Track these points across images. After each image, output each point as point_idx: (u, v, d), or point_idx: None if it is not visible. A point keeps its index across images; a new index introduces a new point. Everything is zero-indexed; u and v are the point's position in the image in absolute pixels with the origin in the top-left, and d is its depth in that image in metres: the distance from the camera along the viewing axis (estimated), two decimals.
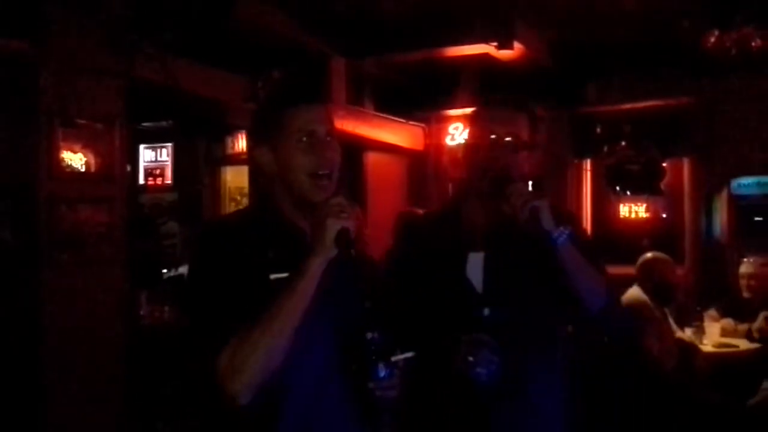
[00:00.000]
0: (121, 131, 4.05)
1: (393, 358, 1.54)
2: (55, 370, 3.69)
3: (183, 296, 1.66)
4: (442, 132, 7.09)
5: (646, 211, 7.05)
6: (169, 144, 7.55)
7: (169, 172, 7.59)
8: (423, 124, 7.12)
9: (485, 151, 1.83)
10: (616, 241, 7.11)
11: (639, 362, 4.15)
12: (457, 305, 1.83)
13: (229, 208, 7.19)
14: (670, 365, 4.17)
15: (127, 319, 4.13)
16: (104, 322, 3.92)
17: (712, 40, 4.67)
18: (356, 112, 6.34)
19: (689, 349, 4.45)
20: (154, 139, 7.49)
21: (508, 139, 1.82)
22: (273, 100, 1.73)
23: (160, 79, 4.09)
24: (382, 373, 1.52)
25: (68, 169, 3.80)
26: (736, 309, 4.89)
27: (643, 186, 6.96)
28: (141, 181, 7.56)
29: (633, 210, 7.10)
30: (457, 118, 7.12)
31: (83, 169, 3.87)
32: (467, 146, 1.93)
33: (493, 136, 1.83)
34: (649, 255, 4.55)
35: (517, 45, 5.50)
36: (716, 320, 4.88)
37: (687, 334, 4.63)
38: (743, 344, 4.58)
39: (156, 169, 7.65)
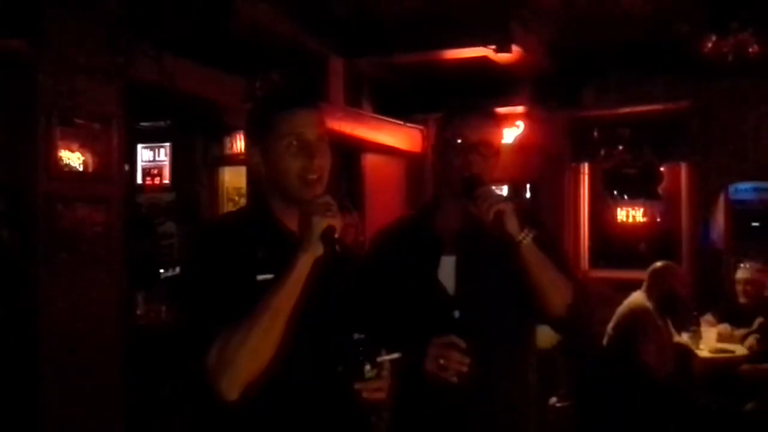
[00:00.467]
0: (119, 131, 4.04)
1: (379, 359, 1.54)
2: (53, 370, 3.68)
3: (177, 295, 1.68)
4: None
5: (644, 215, 7.06)
6: (167, 144, 7.53)
7: (167, 172, 7.57)
8: (421, 126, 7.13)
9: (457, 155, 1.85)
10: (614, 246, 7.13)
11: (634, 368, 4.16)
12: (428, 308, 1.86)
13: (227, 208, 7.18)
14: (665, 373, 4.18)
15: (124, 318, 4.12)
16: (101, 322, 3.91)
17: (710, 45, 4.69)
18: (354, 114, 6.34)
19: (686, 354, 4.46)
20: (152, 138, 7.47)
21: (478, 144, 1.85)
22: (266, 102, 1.76)
23: (157, 79, 4.09)
24: (368, 374, 1.52)
25: (66, 169, 3.79)
26: (733, 314, 4.90)
27: (640, 190, 6.98)
28: (139, 180, 7.55)
29: (630, 214, 7.11)
30: None
31: (81, 169, 3.86)
32: (438, 151, 1.94)
33: (459, 141, 1.86)
34: (661, 264, 4.55)
35: (515, 48, 5.51)
36: (713, 325, 4.89)
37: (684, 339, 4.64)
38: (740, 350, 4.59)
39: (154, 168, 7.63)
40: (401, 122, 6.90)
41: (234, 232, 1.59)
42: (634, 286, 4.81)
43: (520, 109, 6.98)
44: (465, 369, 1.70)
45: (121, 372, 4.02)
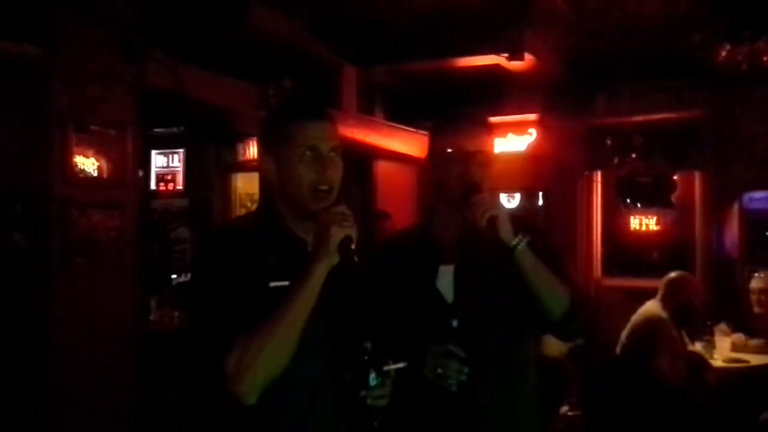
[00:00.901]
0: (134, 137, 4.08)
1: (385, 368, 1.57)
2: (65, 374, 3.71)
3: (188, 299, 1.70)
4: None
5: (657, 224, 7.03)
6: (181, 150, 7.59)
7: (180, 178, 7.62)
8: None
9: (453, 165, 1.86)
10: (627, 254, 7.10)
11: (647, 377, 4.14)
12: (427, 317, 1.87)
13: (240, 214, 7.21)
14: (678, 383, 4.15)
15: (137, 324, 4.15)
16: (115, 327, 3.94)
17: (724, 53, 4.67)
18: (367, 121, 6.36)
19: (701, 363, 4.43)
20: (166, 145, 7.52)
21: (474, 153, 1.86)
22: (281, 112, 1.77)
23: (171, 86, 4.12)
24: (373, 382, 1.55)
25: (81, 175, 3.83)
26: (747, 324, 4.86)
27: (653, 199, 6.95)
28: (152, 186, 7.60)
29: (644, 223, 7.08)
30: None
31: (96, 175, 3.90)
32: (434, 162, 1.93)
33: (454, 151, 1.86)
34: (676, 274, 4.53)
35: (527, 56, 5.51)
36: (727, 335, 4.85)
37: (697, 348, 4.60)
38: (754, 359, 4.56)
39: (167, 174, 7.68)
40: (413, 129, 6.91)
41: (245, 237, 1.61)
42: (647, 294, 4.78)
43: (532, 117, 6.98)
44: (464, 377, 1.71)
45: (134, 376, 4.04)
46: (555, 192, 7.11)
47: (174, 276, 6.12)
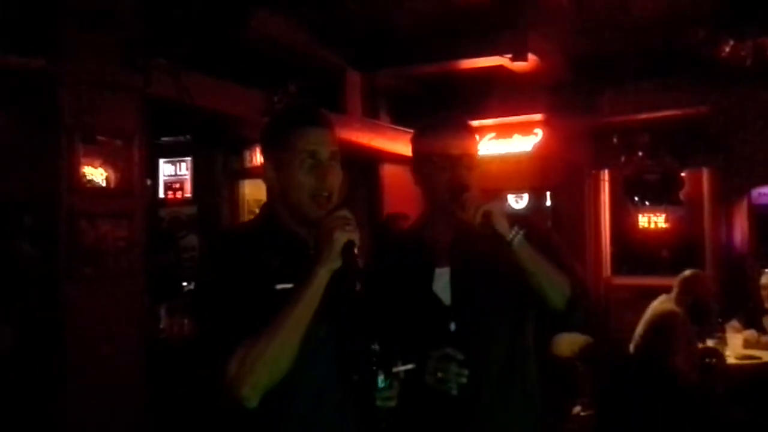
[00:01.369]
0: (140, 146, 4.10)
1: (394, 369, 1.58)
2: (76, 383, 3.73)
3: (193, 303, 1.71)
4: None
5: (666, 221, 7.00)
6: (188, 158, 7.63)
7: (188, 186, 7.66)
8: None
9: (439, 171, 1.86)
10: (636, 252, 7.08)
11: (662, 374, 4.14)
12: (425, 321, 1.87)
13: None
14: (691, 380, 4.14)
15: (146, 332, 4.16)
16: (124, 335, 3.95)
17: (727, 49, 4.66)
18: (372, 125, 6.38)
19: (716, 357, 4.42)
20: (173, 153, 7.56)
21: (459, 157, 1.86)
22: (281, 118, 1.78)
23: (176, 95, 4.14)
24: (382, 384, 1.56)
25: (89, 184, 3.85)
26: (759, 320, 4.84)
27: (661, 196, 6.93)
28: (161, 194, 7.64)
29: (652, 220, 7.07)
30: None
31: (104, 184, 3.92)
32: (420, 169, 1.93)
33: (439, 157, 1.86)
34: (690, 272, 4.53)
35: (531, 57, 5.51)
36: (738, 332, 4.83)
37: (709, 345, 4.58)
38: (766, 356, 4.53)
39: (175, 182, 7.72)
40: None
41: (248, 241, 1.62)
42: (657, 292, 4.76)
43: (538, 117, 6.98)
44: (464, 380, 1.70)
45: (143, 384, 4.06)
46: (562, 192, 7.10)
47: (184, 284, 6.14)
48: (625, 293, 6.75)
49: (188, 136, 7.18)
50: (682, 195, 6.88)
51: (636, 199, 7.09)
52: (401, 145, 6.65)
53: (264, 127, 1.75)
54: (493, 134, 7.23)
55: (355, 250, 1.50)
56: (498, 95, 6.56)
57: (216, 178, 7.66)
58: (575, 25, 5.30)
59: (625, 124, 6.68)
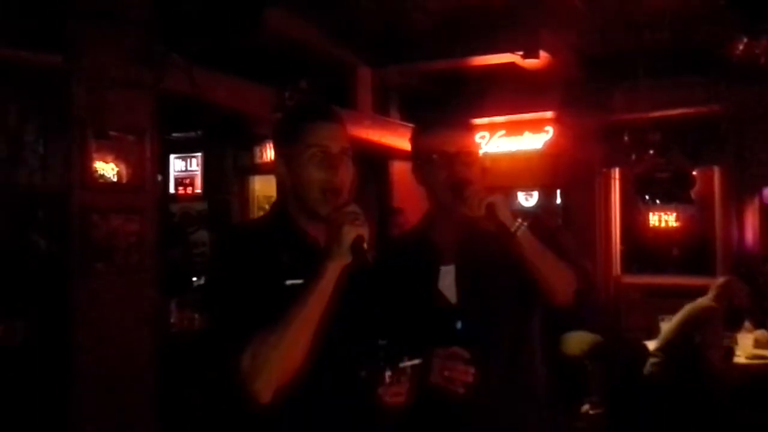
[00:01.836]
0: (152, 142, 4.12)
1: (401, 365, 1.57)
2: (88, 376, 3.76)
3: (204, 299, 1.71)
4: None
5: (677, 220, 6.97)
6: (199, 154, 7.67)
7: (198, 182, 7.70)
8: None
9: (439, 169, 1.85)
10: (646, 251, 7.05)
11: (692, 368, 4.27)
12: (430, 319, 1.86)
13: (258, 216, 7.26)
14: (721, 376, 4.27)
15: (157, 326, 4.19)
16: (135, 330, 3.98)
17: (741, 47, 4.63)
18: (382, 122, 6.38)
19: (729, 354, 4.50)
20: (184, 149, 7.61)
21: (457, 154, 1.85)
22: (292, 114, 1.79)
23: (188, 91, 4.16)
24: (389, 380, 1.56)
25: (101, 180, 3.88)
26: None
27: (672, 195, 6.89)
28: (171, 190, 7.68)
29: (663, 219, 7.03)
30: (483, 127, 7.12)
31: (115, 180, 3.94)
32: (420, 169, 1.92)
33: (438, 156, 1.85)
34: (726, 279, 4.65)
35: (543, 54, 5.49)
36: (750, 332, 4.81)
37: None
38: None
39: (186, 178, 7.76)
40: None
41: (260, 238, 1.63)
42: (668, 291, 4.76)
43: (549, 114, 6.96)
44: (470, 379, 1.69)
45: (154, 378, 4.08)
46: (573, 190, 7.08)
47: (194, 279, 6.17)
48: (635, 292, 6.73)
49: (199, 132, 7.22)
50: (693, 193, 6.84)
51: (647, 197, 7.06)
52: None
53: (276, 123, 1.76)
54: (503, 131, 7.21)
55: (365, 245, 1.50)
56: (509, 92, 6.53)
57: (226, 174, 7.70)
58: (587, 23, 5.28)
59: (636, 122, 6.64)
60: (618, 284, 6.94)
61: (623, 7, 5.02)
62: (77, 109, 3.74)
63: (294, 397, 1.52)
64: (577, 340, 5.30)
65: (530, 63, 5.65)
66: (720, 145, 6.35)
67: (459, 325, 1.84)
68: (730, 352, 4.50)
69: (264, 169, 7.07)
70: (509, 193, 7.27)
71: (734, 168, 6.34)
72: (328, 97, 5.31)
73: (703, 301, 4.49)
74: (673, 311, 5.23)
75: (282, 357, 1.47)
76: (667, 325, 4.67)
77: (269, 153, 6.94)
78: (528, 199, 7.56)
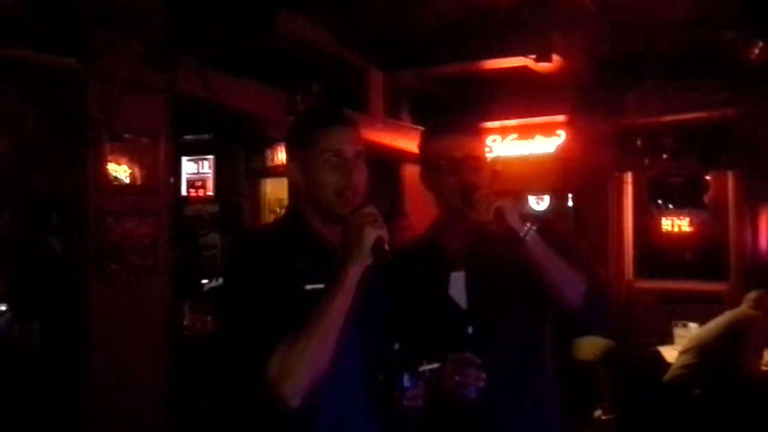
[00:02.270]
0: (166, 144, 4.14)
1: (420, 369, 1.58)
2: (101, 377, 3.77)
3: (221, 302, 1.72)
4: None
5: (690, 225, 6.92)
6: (211, 156, 7.69)
7: (210, 184, 7.73)
8: None
9: (447, 175, 1.85)
10: (659, 256, 7.01)
11: (732, 374, 4.34)
12: (441, 325, 1.86)
13: (269, 218, 7.28)
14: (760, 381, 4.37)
15: (171, 328, 4.20)
16: (149, 331, 4.00)
17: (756, 51, 4.60)
18: (394, 125, 6.38)
19: None
20: (196, 151, 7.63)
21: (464, 159, 1.85)
22: (306, 118, 1.79)
23: (201, 94, 4.18)
24: (407, 384, 1.56)
25: (115, 182, 3.90)
26: None
27: (686, 199, 6.85)
28: (183, 192, 7.71)
29: (676, 224, 6.98)
30: (495, 130, 7.11)
31: (129, 182, 3.96)
32: (428, 174, 1.93)
33: (445, 161, 1.85)
34: (758, 293, 4.70)
35: (555, 57, 5.48)
36: None
37: None
38: None
39: (198, 180, 7.79)
40: None
41: (275, 242, 1.63)
42: (681, 296, 4.73)
43: (561, 118, 6.93)
44: (482, 384, 1.69)
45: (168, 379, 4.10)
46: (585, 194, 7.04)
47: (205, 281, 6.19)
48: (647, 297, 6.69)
49: (211, 135, 7.24)
50: (706, 198, 6.80)
51: (660, 202, 7.02)
52: None
53: (289, 128, 1.76)
54: (515, 135, 7.20)
55: (386, 246, 1.51)
56: (521, 96, 6.52)
57: (238, 176, 7.72)
58: (600, 26, 5.26)
59: (649, 126, 6.61)
60: (630, 289, 6.90)
61: (636, 9, 5.00)
62: (92, 112, 3.76)
63: (320, 400, 1.52)
64: (590, 345, 5.28)
65: (542, 66, 5.63)
66: (734, 150, 6.30)
67: (470, 330, 1.84)
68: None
69: (275, 172, 7.10)
70: (520, 197, 7.24)
71: (748, 172, 6.28)
72: (340, 100, 5.31)
73: (745, 309, 4.58)
74: (685, 316, 5.20)
75: (310, 361, 1.47)
76: (700, 331, 4.72)
77: (281, 156, 6.96)
78: (539, 203, 7.53)
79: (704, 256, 6.75)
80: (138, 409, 3.89)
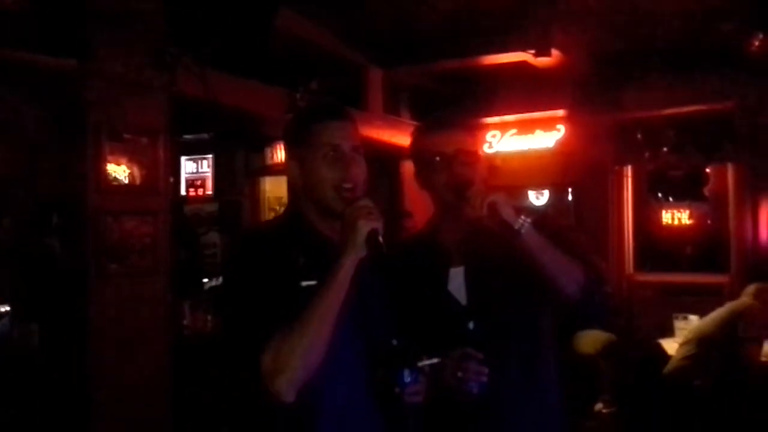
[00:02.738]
0: (165, 144, 4.14)
1: (419, 364, 1.58)
2: (102, 378, 3.78)
3: (220, 300, 1.73)
4: (480, 139, 7.08)
5: (690, 218, 6.92)
6: (210, 155, 7.69)
7: (209, 183, 7.72)
8: None
9: (439, 171, 1.86)
10: (659, 249, 7.00)
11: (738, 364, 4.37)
12: (441, 321, 1.86)
13: (268, 217, 7.28)
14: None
15: (171, 328, 4.21)
16: (149, 331, 4.00)
17: (756, 44, 4.59)
18: (393, 122, 6.38)
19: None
20: (195, 150, 7.63)
21: (455, 154, 1.85)
22: (302, 115, 1.80)
23: (200, 93, 4.17)
24: (407, 379, 1.56)
25: (114, 182, 3.90)
26: None
27: (686, 192, 6.85)
28: (183, 192, 7.71)
29: (676, 217, 6.98)
30: (494, 125, 7.10)
31: (128, 182, 3.96)
32: (420, 171, 1.94)
33: (438, 158, 1.86)
34: (758, 286, 4.71)
35: (554, 52, 5.47)
36: None
37: None
38: None
39: (197, 180, 7.79)
40: None
41: (274, 239, 1.63)
42: (681, 289, 4.74)
43: (561, 112, 6.93)
44: (484, 379, 1.70)
45: (168, 379, 4.10)
46: (585, 188, 7.04)
47: (205, 280, 6.19)
48: (648, 290, 6.69)
49: (210, 134, 7.24)
50: (706, 191, 6.79)
51: (660, 195, 7.02)
52: None
53: (286, 126, 1.77)
54: (515, 130, 7.19)
55: (380, 238, 1.51)
56: (520, 91, 6.51)
57: (237, 175, 7.72)
58: (599, 20, 5.25)
59: (649, 120, 6.59)
60: (631, 282, 6.90)
61: (635, 2, 4.99)
62: (91, 112, 3.76)
63: (320, 395, 1.53)
64: (591, 339, 5.28)
65: (542, 61, 5.63)
66: (734, 142, 6.29)
67: (471, 325, 1.84)
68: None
69: (275, 171, 7.09)
70: (520, 191, 7.24)
71: (748, 165, 6.28)
72: (339, 97, 5.31)
73: (745, 300, 4.61)
74: (686, 309, 5.21)
75: (303, 355, 1.47)
76: (700, 323, 4.74)
77: (280, 154, 6.95)
78: (539, 198, 7.53)
79: (704, 249, 6.74)
80: (139, 408, 3.90)
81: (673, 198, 7.00)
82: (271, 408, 1.51)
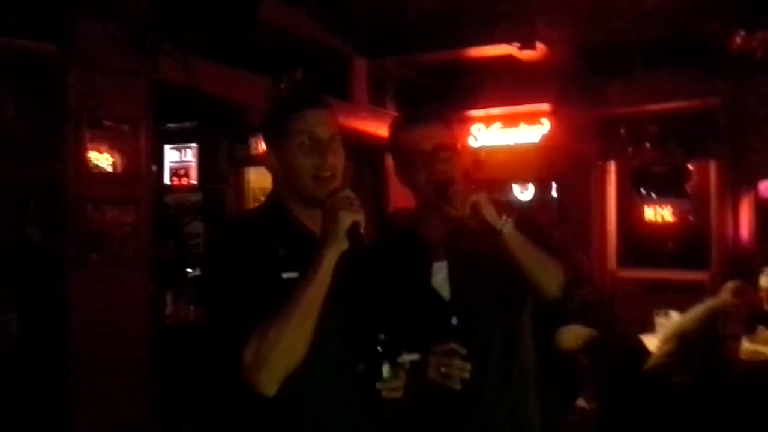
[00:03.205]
0: (147, 132, 4.10)
1: (399, 359, 1.57)
2: (82, 368, 3.74)
3: (201, 292, 1.71)
4: (464, 132, 7.09)
5: (672, 214, 6.97)
6: (194, 144, 7.62)
7: (193, 173, 7.65)
8: None
9: (418, 167, 1.84)
10: (642, 245, 7.06)
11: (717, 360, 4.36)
12: (425, 316, 1.85)
13: (252, 207, 7.23)
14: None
15: (152, 318, 4.17)
16: (130, 321, 3.97)
17: (738, 41, 4.62)
18: (378, 113, 6.36)
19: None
20: (179, 139, 7.56)
21: (433, 150, 1.83)
22: (278, 105, 1.78)
23: (183, 81, 4.13)
24: (387, 374, 1.55)
25: (95, 170, 3.85)
26: (764, 317, 4.85)
27: (668, 188, 6.90)
28: (166, 181, 7.64)
29: (658, 213, 7.03)
30: (480, 118, 7.10)
31: (110, 170, 3.92)
32: (400, 167, 1.92)
33: (415, 153, 1.84)
34: (736, 284, 4.72)
35: (539, 45, 5.48)
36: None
37: None
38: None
39: (181, 169, 7.72)
40: None
41: (255, 229, 1.62)
42: (663, 285, 4.77)
43: (545, 107, 6.94)
44: (467, 375, 1.69)
45: (150, 369, 4.07)
46: (568, 183, 7.08)
47: (189, 270, 6.15)
48: (630, 286, 6.74)
49: (194, 123, 7.18)
50: (688, 187, 6.84)
51: (643, 191, 7.06)
52: None
53: (263, 116, 1.75)
54: (499, 124, 7.20)
55: (361, 230, 1.49)
56: (505, 84, 6.52)
57: (221, 165, 7.66)
58: (584, 14, 5.26)
59: (632, 115, 6.63)
60: (613, 278, 6.95)
61: None
62: (72, 99, 3.72)
63: (299, 388, 1.52)
64: (572, 334, 5.30)
65: (527, 54, 5.63)
66: (716, 139, 6.35)
67: (454, 321, 1.83)
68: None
69: (259, 161, 7.01)
70: (504, 185, 7.26)
71: (730, 161, 6.33)
72: (324, 87, 5.28)
73: (724, 297, 4.61)
74: (668, 305, 5.24)
75: (284, 348, 1.46)
76: (680, 319, 4.76)
77: (263, 144, 6.91)
78: (523, 192, 7.55)
79: (686, 246, 6.81)
80: (120, 398, 3.87)
81: (655, 194, 7.05)
82: (253, 400, 1.49)
